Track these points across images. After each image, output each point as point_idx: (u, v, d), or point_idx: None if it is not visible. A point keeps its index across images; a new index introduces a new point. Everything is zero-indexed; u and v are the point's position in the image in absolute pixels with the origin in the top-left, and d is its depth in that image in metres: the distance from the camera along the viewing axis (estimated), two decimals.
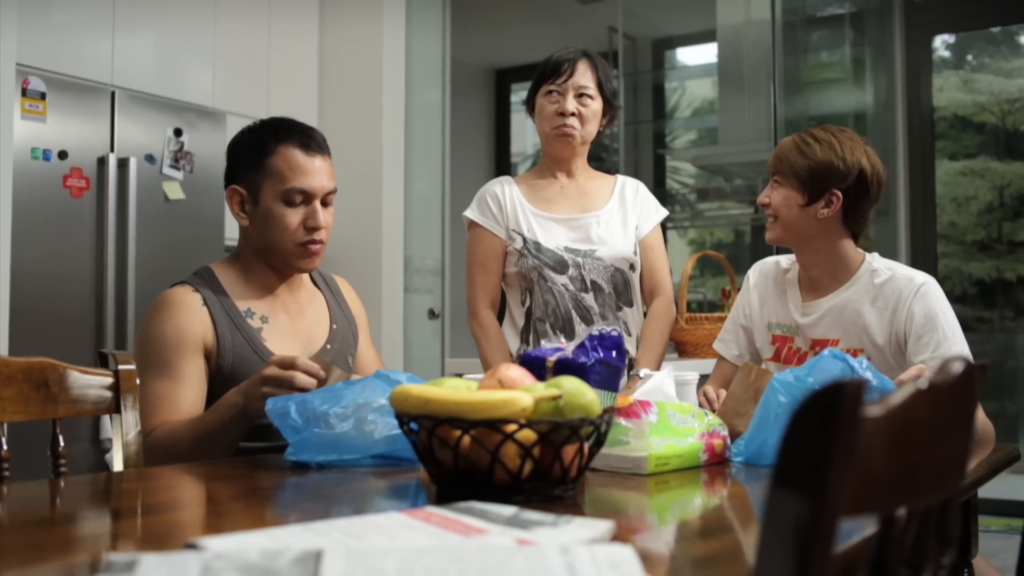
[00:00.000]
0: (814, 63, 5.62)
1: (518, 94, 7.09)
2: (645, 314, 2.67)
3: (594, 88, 2.58)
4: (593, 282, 2.56)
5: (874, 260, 2.21)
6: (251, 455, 1.82)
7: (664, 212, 2.74)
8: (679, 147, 6.66)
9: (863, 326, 2.15)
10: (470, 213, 2.66)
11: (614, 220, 2.62)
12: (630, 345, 2.59)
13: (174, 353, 1.89)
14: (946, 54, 5.94)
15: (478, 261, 2.63)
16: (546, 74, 2.59)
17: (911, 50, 5.51)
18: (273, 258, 2.03)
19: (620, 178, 2.74)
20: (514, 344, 2.60)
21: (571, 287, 2.55)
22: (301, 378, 1.69)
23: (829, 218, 2.15)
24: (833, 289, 2.20)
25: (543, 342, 2.50)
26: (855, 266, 2.20)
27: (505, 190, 2.64)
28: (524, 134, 7.29)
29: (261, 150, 2.00)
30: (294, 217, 1.99)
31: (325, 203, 2.03)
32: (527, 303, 2.59)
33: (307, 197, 1.99)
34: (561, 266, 2.54)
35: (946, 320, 2.09)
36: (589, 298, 2.56)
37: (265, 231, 2.00)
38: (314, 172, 1.99)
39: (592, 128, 2.60)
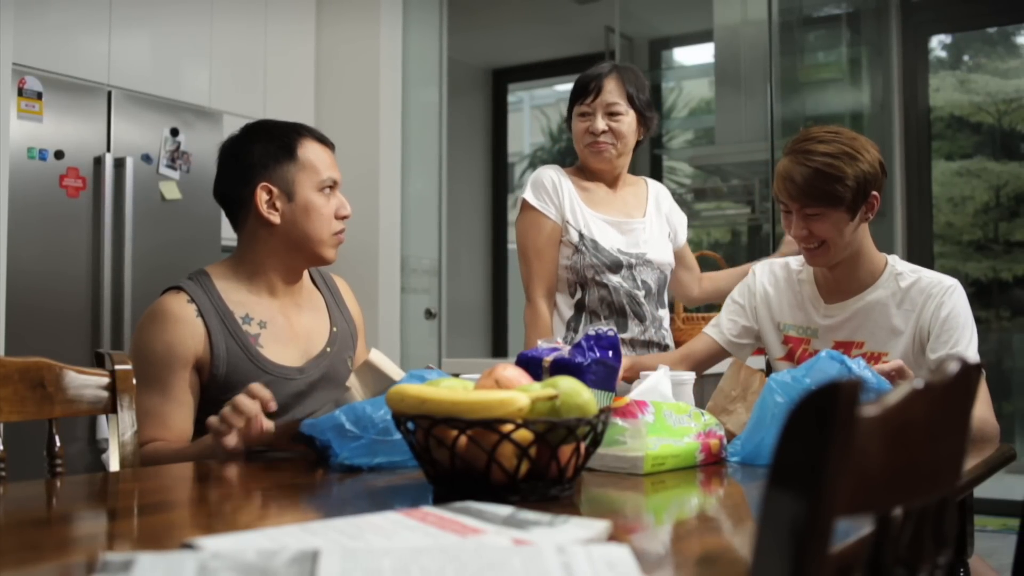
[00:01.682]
0: (811, 63, 5.62)
1: (515, 94, 7.09)
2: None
3: (624, 103, 2.60)
4: (644, 282, 2.62)
5: (897, 263, 2.19)
6: (250, 456, 1.81)
7: (685, 217, 2.88)
8: (676, 147, 6.66)
9: (890, 328, 2.14)
10: (528, 196, 2.64)
11: (655, 228, 2.69)
12: (671, 343, 2.72)
13: (164, 368, 1.88)
14: (942, 54, 5.95)
15: (534, 246, 2.62)
16: (577, 93, 2.64)
17: (908, 50, 5.52)
18: (304, 251, 2.05)
19: (651, 185, 2.81)
20: (559, 333, 2.61)
21: (625, 285, 2.59)
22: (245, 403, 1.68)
23: (868, 219, 2.14)
24: (857, 291, 2.18)
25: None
26: (879, 268, 2.18)
27: (560, 180, 2.64)
28: (521, 134, 7.29)
29: (290, 145, 2.04)
30: (330, 207, 2.06)
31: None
32: (577, 296, 2.61)
33: (335, 187, 2.07)
34: (616, 266, 2.58)
35: (967, 323, 2.10)
36: (641, 296, 2.61)
37: (304, 223, 2.03)
38: (334, 163, 2.09)
39: (628, 141, 2.64)
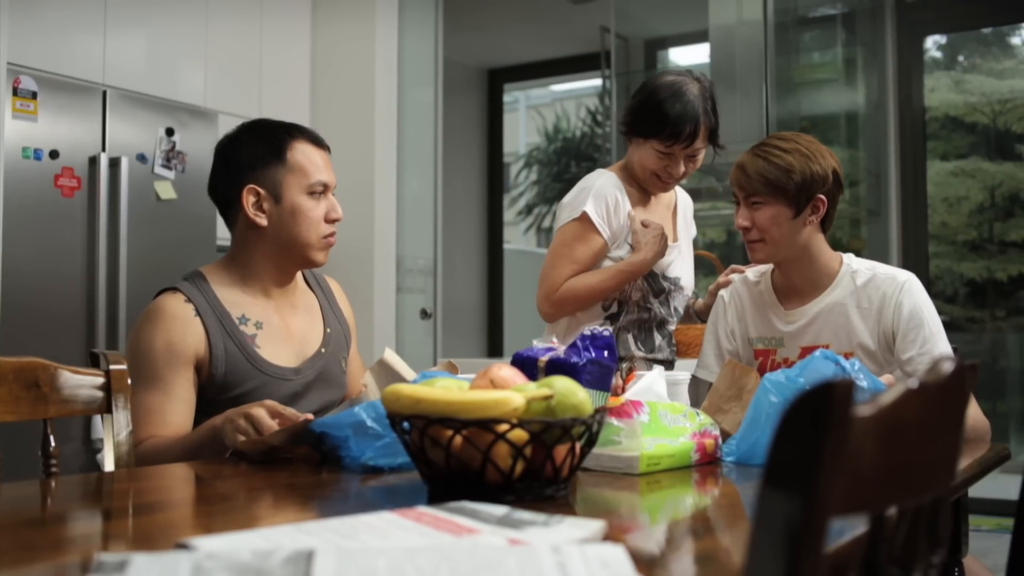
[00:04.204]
0: (806, 63, 5.62)
1: (511, 94, 7.10)
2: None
3: (705, 143, 2.49)
4: (676, 308, 2.63)
5: (852, 261, 2.20)
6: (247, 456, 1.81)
7: (694, 231, 2.81)
8: None
9: (851, 329, 2.14)
10: (589, 208, 2.48)
11: (685, 250, 2.68)
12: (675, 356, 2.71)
13: (164, 366, 1.88)
14: (937, 55, 5.95)
15: (575, 257, 2.49)
16: (661, 132, 2.44)
17: (903, 51, 5.52)
18: (292, 254, 2.04)
19: (679, 197, 2.75)
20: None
21: (661, 311, 2.59)
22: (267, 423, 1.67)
23: (814, 223, 2.16)
24: (816, 294, 2.19)
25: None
26: (835, 269, 2.19)
27: (621, 199, 2.53)
28: (516, 134, 7.29)
29: (279, 147, 2.02)
30: (319, 210, 2.04)
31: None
32: (611, 310, 2.55)
33: (326, 190, 2.05)
34: (660, 292, 2.57)
35: (930, 317, 2.10)
36: (672, 322, 2.63)
37: (291, 226, 2.01)
38: (327, 166, 2.07)
39: (691, 173, 2.58)
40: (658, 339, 2.60)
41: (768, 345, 2.24)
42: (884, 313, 2.11)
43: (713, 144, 2.53)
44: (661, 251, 2.48)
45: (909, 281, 2.13)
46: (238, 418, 1.68)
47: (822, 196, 2.13)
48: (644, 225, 2.49)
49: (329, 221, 2.05)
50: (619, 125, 2.60)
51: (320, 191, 2.04)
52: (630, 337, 2.56)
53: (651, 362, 2.57)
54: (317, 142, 2.08)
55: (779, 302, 2.24)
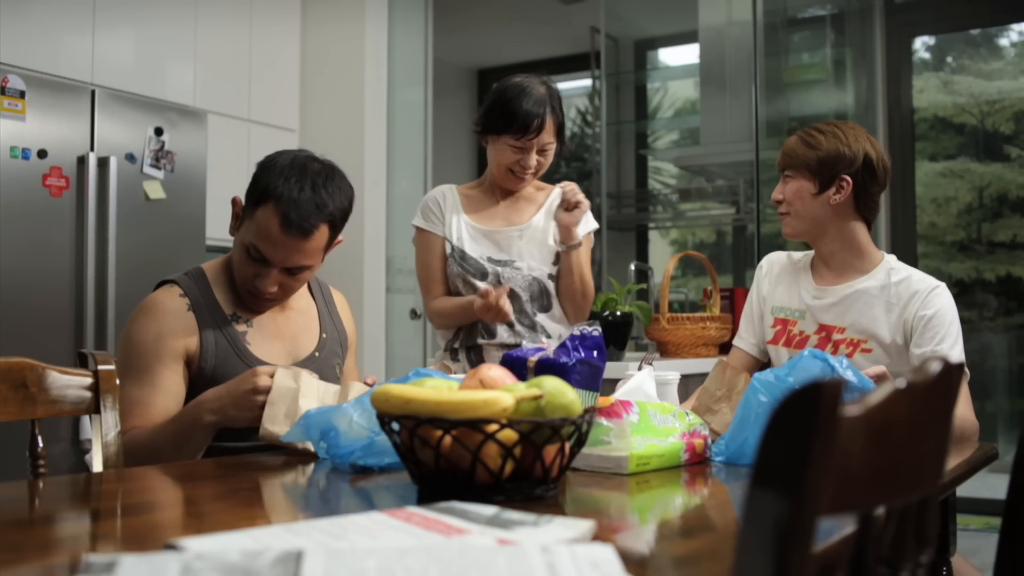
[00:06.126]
0: (795, 64, 5.64)
1: None
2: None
3: (554, 139, 2.63)
4: (511, 290, 2.61)
5: (892, 261, 2.29)
6: (231, 455, 1.81)
7: (594, 225, 2.79)
8: (661, 147, 6.67)
9: (872, 318, 2.21)
10: (417, 221, 2.72)
11: (536, 234, 2.68)
12: (551, 345, 2.67)
13: (153, 359, 1.89)
14: (926, 56, 5.97)
15: (424, 262, 2.71)
16: (512, 127, 2.56)
17: (891, 51, 5.54)
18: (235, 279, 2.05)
19: (557, 190, 2.74)
20: (446, 338, 2.69)
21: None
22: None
23: (841, 203, 2.24)
24: (851, 277, 2.27)
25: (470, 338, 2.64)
26: (875, 259, 2.28)
27: (446, 196, 2.72)
28: None
29: (263, 196, 1.92)
30: (249, 268, 1.97)
31: (292, 272, 1.97)
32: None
33: (265, 261, 1.95)
34: (482, 275, 2.63)
35: (952, 322, 2.17)
36: (514, 301, 2.63)
37: (233, 256, 2.03)
38: (280, 246, 1.92)
39: (546, 168, 2.68)
40: (499, 327, 2.61)
41: (790, 316, 2.33)
42: (910, 308, 2.18)
43: (560, 140, 2.65)
44: (483, 317, 2.53)
45: (942, 287, 2.21)
46: (243, 397, 1.74)
47: (847, 176, 2.22)
48: (489, 292, 2.48)
49: (254, 286, 1.97)
50: (474, 127, 2.73)
51: (256, 257, 1.94)
52: (479, 323, 2.63)
53: (500, 347, 2.61)
54: (287, 223, 1.90)
55: (812, 277, 2.33)
